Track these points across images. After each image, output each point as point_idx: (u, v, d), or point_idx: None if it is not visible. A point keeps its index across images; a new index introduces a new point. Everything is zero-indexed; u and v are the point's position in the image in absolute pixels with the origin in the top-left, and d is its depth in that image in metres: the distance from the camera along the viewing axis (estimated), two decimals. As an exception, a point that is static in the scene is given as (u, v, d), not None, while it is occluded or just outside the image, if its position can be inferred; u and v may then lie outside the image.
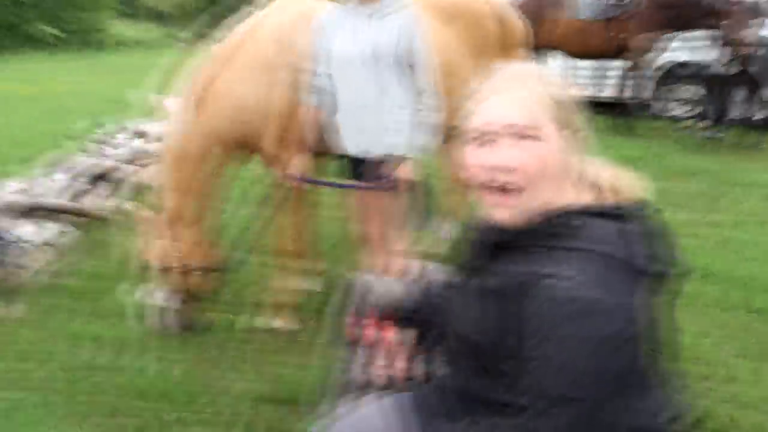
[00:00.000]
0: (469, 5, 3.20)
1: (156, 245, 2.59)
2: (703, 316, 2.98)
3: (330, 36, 2.46)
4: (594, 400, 0.92)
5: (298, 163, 2.62)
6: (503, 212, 1.05)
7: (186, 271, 2.61)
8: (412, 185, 2.52)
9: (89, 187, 5.33)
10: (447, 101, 2.97)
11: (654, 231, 1.04)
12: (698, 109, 7.77)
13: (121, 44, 49.49)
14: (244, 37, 2.67)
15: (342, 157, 2.65)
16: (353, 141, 2.56)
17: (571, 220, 1.02)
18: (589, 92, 8.19)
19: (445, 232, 4.04)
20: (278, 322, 3.02)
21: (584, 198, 1.07)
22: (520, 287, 1.00)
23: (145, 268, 2.65)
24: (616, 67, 8.20)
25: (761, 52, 6.19)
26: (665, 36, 7.00)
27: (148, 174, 5.72)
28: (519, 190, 1.02)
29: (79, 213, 4.54)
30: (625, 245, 0.99)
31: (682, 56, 7.74)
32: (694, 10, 6.66)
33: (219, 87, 2.59)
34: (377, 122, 2.45)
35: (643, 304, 0.97)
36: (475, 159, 1.06)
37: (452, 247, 1.34)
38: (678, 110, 8.14)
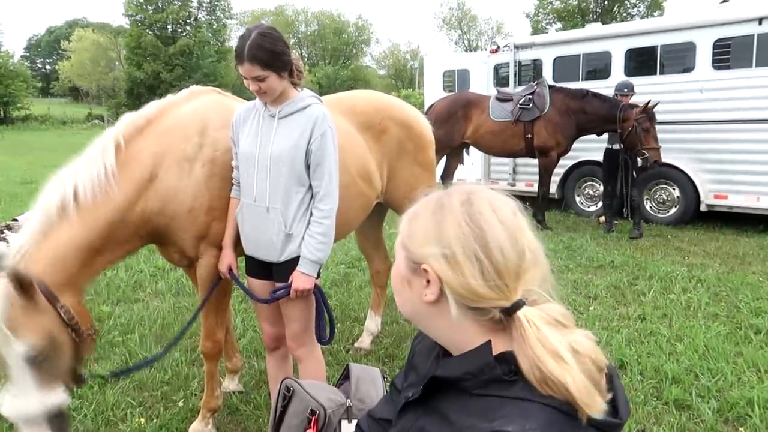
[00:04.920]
0: (382, 112, 3.28)
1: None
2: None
3: (238, 132, 2.43)
4: None
5: (225, 259, 2.51)
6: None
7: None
8: (308, 292, 2.36)
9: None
10: (357, 201, 3.01)
11: (609, 376, 0.96)
12: (600, 205, 8.42)
13: (34, 120, 47.53)
14: (164, 121, 2.48)
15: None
16: (247, 240, 2.45)
17: (513, 366, 0.93)
18: (503, 186, 8.75)
19: (377, 326, 4.02)
20: (204, 428, 2.83)
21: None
22: None
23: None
24: (528, 163, 8.84)
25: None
26: (570, 137, 7.62)
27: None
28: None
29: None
30: None
31: (583, 156, 8.46)
32: (594, 116, 7.36)
33: (143, 164, 2.36)
34: (271, 226, 2.33)
35: None
36: None
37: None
38: (584, 205, 8.81)
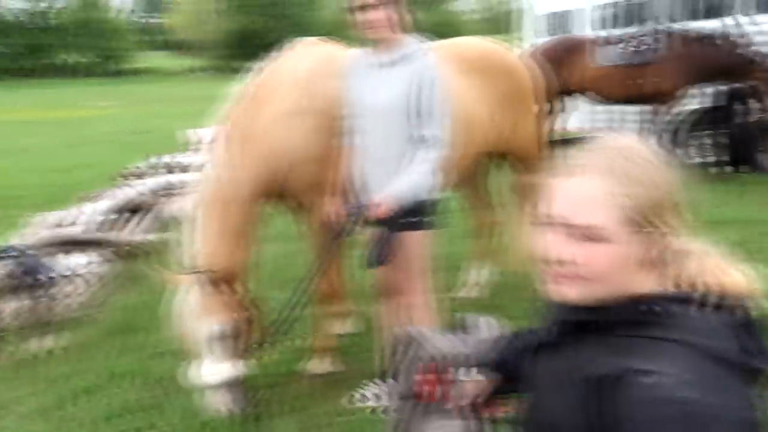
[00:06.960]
0: (486, 59, 3.24)
1: (205, 304, 2.35)
2: None
3: (349, 82, 2.46)
4: None
5: (336, 208, 2.57)
6: (562, 291, 1.00)
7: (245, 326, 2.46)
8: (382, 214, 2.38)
9: (118, 219, 5.40)
10: (464, 150, 2.98)
11: (752, 323, 0.94)
12: (720, 156, 7.78)
13: (142, 73, 50.49)
14: (269, 81, 2.62)
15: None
16: (359, 188, 2.53)
17: (657, 307, 0.94)
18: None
19: (482, 277, 4.04)
20: (321, 365, 3.02)
21: (669, 286, 0.98)
22: (609, 383, 0.90)
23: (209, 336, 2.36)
24: (635, 111, 8.32)
25: None
26: (686, 83, 7.06)
27: (177, 207, 5.80)
28: (577, 278, 0.97)
29: (109, 245, 4.59)
30: (724, 337, 0.90)
31: (705, 104, 7.81)
32: (714, 64, 6.74)
33: (254, 131, 2.53)
34: (384, 171, 2.38)
35: (748, 403, 0.86)
36: (539, 240, 1.03)
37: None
38: (701, 156, 8.17)
